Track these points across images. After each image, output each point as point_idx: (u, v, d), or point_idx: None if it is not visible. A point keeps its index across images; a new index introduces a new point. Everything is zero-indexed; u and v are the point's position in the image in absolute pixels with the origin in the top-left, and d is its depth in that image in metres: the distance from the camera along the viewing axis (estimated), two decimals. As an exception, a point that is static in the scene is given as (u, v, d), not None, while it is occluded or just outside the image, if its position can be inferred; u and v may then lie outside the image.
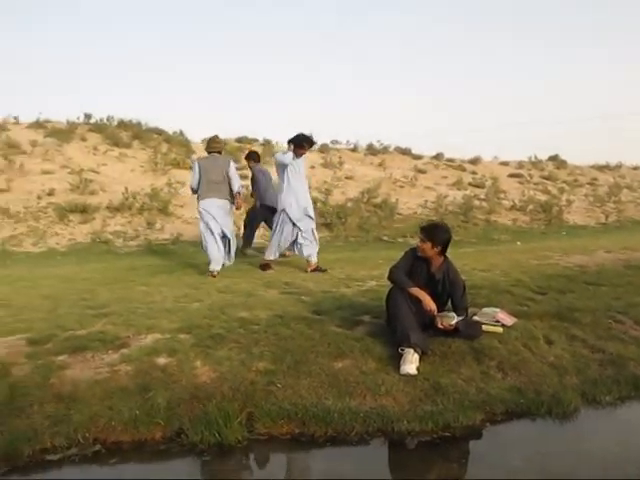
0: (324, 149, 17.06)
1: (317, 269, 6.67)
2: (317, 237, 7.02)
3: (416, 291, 3.88)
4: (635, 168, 22.09)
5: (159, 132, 15.48)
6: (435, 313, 3.87)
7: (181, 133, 15.94)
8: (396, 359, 3.67)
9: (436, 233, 3.99)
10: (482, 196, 14.29)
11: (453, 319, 3.89)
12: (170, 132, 15.74)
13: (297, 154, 6.60)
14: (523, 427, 3.24)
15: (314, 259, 6.76)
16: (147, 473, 2.87)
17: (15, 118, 14.90)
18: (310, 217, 6.85)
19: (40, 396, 3.16)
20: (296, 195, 6.66)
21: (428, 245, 4.00)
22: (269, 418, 3.12)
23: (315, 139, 7.19)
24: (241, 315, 4.47)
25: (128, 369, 3.48)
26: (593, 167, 20.85)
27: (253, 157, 8.55)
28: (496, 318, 4.25)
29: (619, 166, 21.54)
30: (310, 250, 6.77)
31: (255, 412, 3.15)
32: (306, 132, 6.91)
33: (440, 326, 3.89)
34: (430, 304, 3.85)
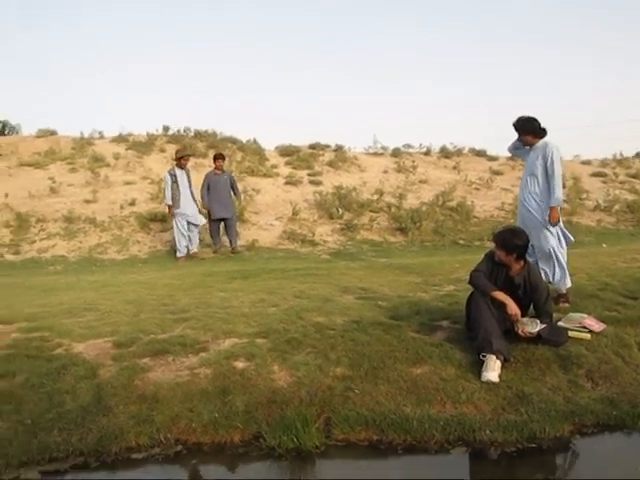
0: (397, 153, 16.88)
1: None
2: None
3: (499, 295, 3.74)
4: None
5: (233, 141, 15.80)
6: (519, 318, 3.72)
7: (255, 141, 16.20)
8: (477, 366, 3.55)
9: (509, 241, 3.84)
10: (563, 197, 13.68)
11: (535, 326, 3.72)
12: (244, 140, 16.06)
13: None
14: (617, 441, 3.05)
15: None
16: (227, 475, 2.90)
17: (100, 133, 15.67)
18: None
19: (125, 397, 3.27)
20: None
21: (502, 253, 3.86)
22: (347, 424, 3.09)
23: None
24: (317, 320, 4.47)
25: (207, 372, 3.55)
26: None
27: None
28: (583, 324, 4.04)
29: None
30: None
31: (333, 418, 3.13)
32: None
33: (521, 333, 3.73)
34: (514, 308, 3.70)
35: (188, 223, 8.95)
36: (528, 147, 5.10)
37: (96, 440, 2.96)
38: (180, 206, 8.81)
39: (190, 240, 9.04)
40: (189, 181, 9.09)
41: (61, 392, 3.31)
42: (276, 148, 16.24)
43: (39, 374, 3.50)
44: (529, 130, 5.01)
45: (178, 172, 8.92)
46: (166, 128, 15.92)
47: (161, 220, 10.35)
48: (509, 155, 17.90)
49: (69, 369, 3.56)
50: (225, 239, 9.63)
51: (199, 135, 15.80)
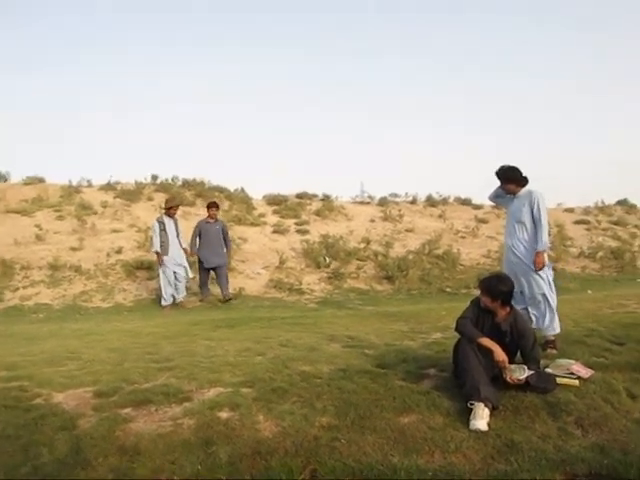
0: (383, 202, 17.08)
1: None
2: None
3: (486, 341, 3.73)
4: None
5: (221, 190, 15.92)
6: (506, 364, 3.69)
7: (242, 190, 16.34)
8: (465, 414, 3.49)
9: (494, 287, 3.88)
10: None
11: (523, 373, 3.70)
12: (232, 189, 16.19)
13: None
14: (610, 491, 2.98)
15: None
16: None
17: (88, 181, 15.72)
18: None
19: (105, 448, 3.16)
20: None
21: (488, 299, 3.88)
22: (333, 475, 2.99)
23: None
24: (304, 369, 4.41)
25: (190, 423, 3.46)
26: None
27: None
28: (571, 370, 4.01)
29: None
30: None
31: (319, 469, 3.03)
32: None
33: (509, 380, 3.70)
34: (501, 354, 3.68)
35: (175, 272, 8.91)
36: (511, 195, 5.18)
37: (73, 495, 2.85)
38: (168, 253, 8.81)
39: (176, 288, 8.98)
40: (177, 230, 9.13)
41: (38, 444, 3.20)
42: (264, 197, 16.37)
43: (16, 425, 3.40)
44: (512, 179, 5.11)
45: (166, 220, 8.97)
46: (154, 177, 16.05)
47: (147, 268, 10.30)
48: (494, 204, 18.15)
49: (47, 420, 3.46)
50: (214, 288, 9.55)
51: (187, 184, 15.91)
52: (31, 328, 7.03)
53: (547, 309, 4.94)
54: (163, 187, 15.44)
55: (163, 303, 8.83)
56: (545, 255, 4.95)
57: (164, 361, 4.72)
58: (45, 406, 3.70)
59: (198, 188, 15.59)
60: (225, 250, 9.56)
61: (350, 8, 46.82)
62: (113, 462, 3.07)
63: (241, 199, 15.36)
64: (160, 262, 8.85)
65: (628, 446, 3.21)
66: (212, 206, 9.61)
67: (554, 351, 4.76)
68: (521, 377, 3.67)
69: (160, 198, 14.60)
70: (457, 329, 3.92)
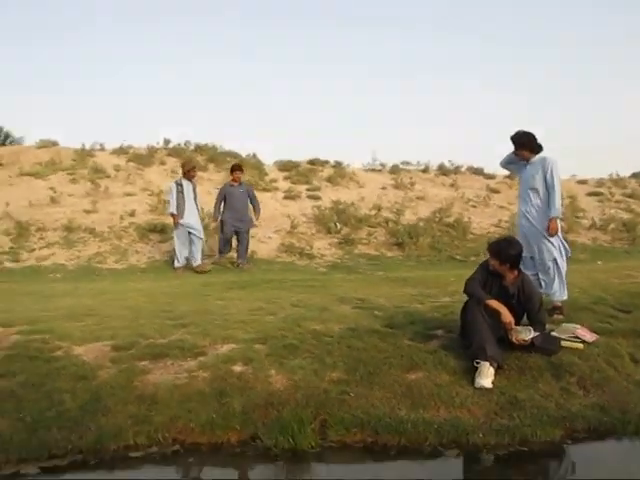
0: (395, 170, 17.01)
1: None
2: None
3: (494, 303, 3.81)
4: None
5: (233, 155, 15.90)
6: (512, 326, 3.78)
7: (254, 156, 16.31)
8: (470, 372, 3.61)
9: (502, 250, 3.93)
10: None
11: (529, 334, 3.79)
12: (244, 155, 16.18)
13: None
14: (608, 446, 3.11)
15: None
16: (224, 474, 2.94)
17: (101, 145, 15.74)
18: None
19: (124, 397, 3.32)
20: None
21: (496, 262, 3.94)
22: (342, 426, 3.14)
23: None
24: (314, 327, 4.52)
25: (205, 375, 3.60)
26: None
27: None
28: (576, 334, 4.11)
29: None
30: None
31: (328, 420, 3.18)
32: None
33: (514, 341, 3.80)
34: (508, 316, 3.77)
35: (190, 234, 8.92)
36: (524, 162, 5.18)
37: (95, 438, 3.01)
38: (184, 217, 8.82)
39: (192, 253, 9.00)
40: (195, 193, 9.09)
41: (60, 391, 3.36)
42: (275, 163, 16.35)
43: (39, 374, 3.55)
44: (527, 145, 5.09)
45: (185, 183, 8.93)
46: (167, 141, 16.04)
47: (160, 231, 10.41)
48: (506, 173, 18.05)
49: (68, 370, 3.62)
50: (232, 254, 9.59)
51: (199, 149, 15.90)
52: (48, 287, 7.18)
53: (556, 275, 5.00)
54: (175, 151, 15.46)
55: (176, 264, 8.90)
56: (558, 221, 4.98)
57: (178, 318, 4.84)
58: (66, 357, 3.85)
59: (210, 153, 15.59)
60: (252, 214, 9.47)
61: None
62: (132, 410, 3.23)
63: (253, 165, 15.35)
64: (176, 224, 8.87)
65: (627, 406, 3.32)
66: (236, 169, 9.38)
67: (561, 316, 4.84)
68: (527, 338, 3.76)
69: (172, 162, 14.66)
70: (465, 290, 4.00)
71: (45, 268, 8.84)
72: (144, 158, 14.61)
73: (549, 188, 4.96)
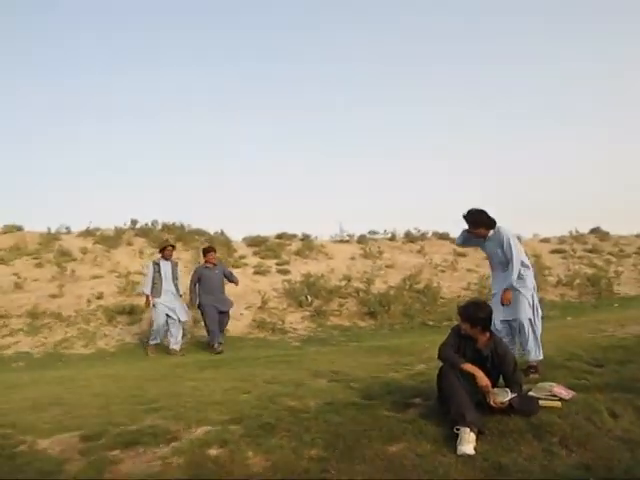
0: (362, 240, 17.23)
1: None
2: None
3: (469, 367, 3.81)
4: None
5: (201, 233, 15.95)
6: (489, 389, 3.76)
7: (222, 233, 16.37)
8: (452, 439, 3.54)
9: (473, 314, 3.97)
10: (526, 274, 14.04)
11: (506, 396, 3.77)
12: (211, 232, 16.22)
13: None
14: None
15: None
16: None
17: (67, 228, 15.62)
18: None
19: (94, 492, 3.14)
20: None
21: (468, 325, 3.98)
22: (325, 506, 3.01)
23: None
24: (290, 404, 4.43)
25: (180, 461, 3.45)
26: (639, 236, 20.33)
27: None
28: (553, 392, 4.10)
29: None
30: None
31: (310, 500, 3.05)
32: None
33: (492, 404, 3.77)
34: (484, 379, 3.76)
35: (167, 316, 8.64)
36: (481, 239, 5.26)
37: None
38: (160, 296, 8.60)
39: (171, 335, 8.69)
40: (174, 274, 8.86)
41: (25, 491, 3.17)
42: (244, 239, 16.42)
43: (0, 473, 3.35)
44: (482, 223, 5.16)
45: (162, 263, 8.78)
46: (134, 221, 16.02)
47: (129, 312, 10.22)
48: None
49: (33, 466, 3.42)
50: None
51: (167, 228, 15.92)
52: (11, 376, 6.91)
53: (531, 335, 5.03)
54: (143, 231, 15.44)
55: (151, 342, 8.66)
56: (510, 293, 5.03)
57: (150, 403, 4.69)
58: (30, 452, 3.65)
59: (178, 232, 15.59)
60: (227, 296, 9.29)
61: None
62: (102, 505, 3.05)
63: (221, 242, 15.37)
64: (148, 304, 8.65)
65: (612, 463, 3.28)
66: (210, 250, 9.24)
67: (536, 375, 4.85)
68: (504, 400, 3.74)
69: (140, 243, 14.61)
70: (440, 356, 3.99)
71: (8, 357, 8.54)
72: (111, 239, 14.54)
73: (508, 260, 5.04)
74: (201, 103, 46.71)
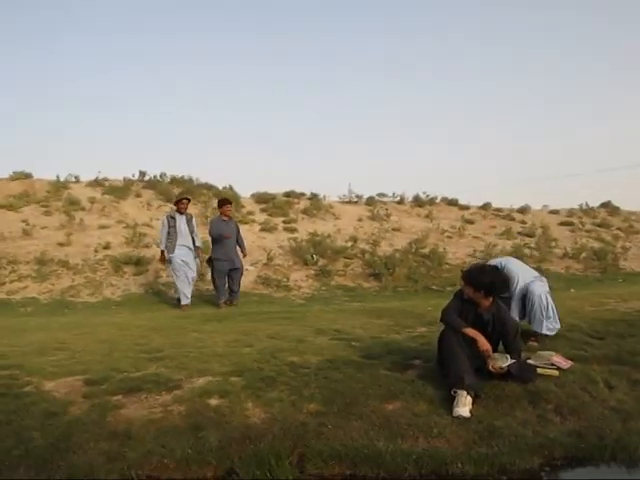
0: (371, 202, 17.18)
1: None
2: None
3: (470, 331, 3.84)
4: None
5: (209, 187, 15.91)
6: (490, 353, 3.80)
7: (231, 188, 16.32)
8: (448, 402, 3.60)
9: (476, 278, 3.96)
10: (532, 245, 14.02)
11: (505, 362, 3.81)
12: (220, 187, 16.19)
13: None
14: (586, 473, 3.10)
15: None
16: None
17: (76, 177, 15.63)
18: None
19: (96, 433, 3.23)
20: None
21: (471, 290, 3.97)
22: (320, 459, 3.09)
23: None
24: (291, 359, 4.50)
25: (181, 409, 3.53)
26: (650, 213, 20.18)
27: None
28: (551, 361, 4.15)
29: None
30: None
31: (306, 452, 3.13)
32: None
33: (491, 369, 3.81)
34: (485, 344, 3.79)
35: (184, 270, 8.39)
36: None
37: (65, 477, 2.90)
38: (174, 252, 8.31)
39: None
40: (190, 227, 8.57)
41: (29, 429, 3.26)
42: (252, 195, 16.40)
43: (7, 411, 3.44)
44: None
45: (177, 216, 8.47)
46: (142, 173, 16.00)
47: (136, 263, 10.31)
48: (480, 204, 18.26)
49: (38, 406, 3.52)
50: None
51: (175, 181, 15.89)
52: (19, 321, 7.04)
53: (539, 309, 5.06)
54: (151, 184, 15.44)
55: (183, 302, 8.37)
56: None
57: (154, 352, 4.77)
58: (36, 393, 3.75)
59: (186, 185, 15.57)
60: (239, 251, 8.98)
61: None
62: (104, 446, 3.13)
63: (229, 197, 15.27)
64: (163, 260, 8.46)
65: (604, 432, 3.34)
66: (226, 203, 8.92)
67: (535, 343, 4.89)
68: (503, 365, 3.78)
69: (148, 195, 14.63)
70: (442, 319, 4.02)
71: (16, 302, 8.67)
72: (119, 190, 14.56)
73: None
74: (218, 58, 46.09)
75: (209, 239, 8.94)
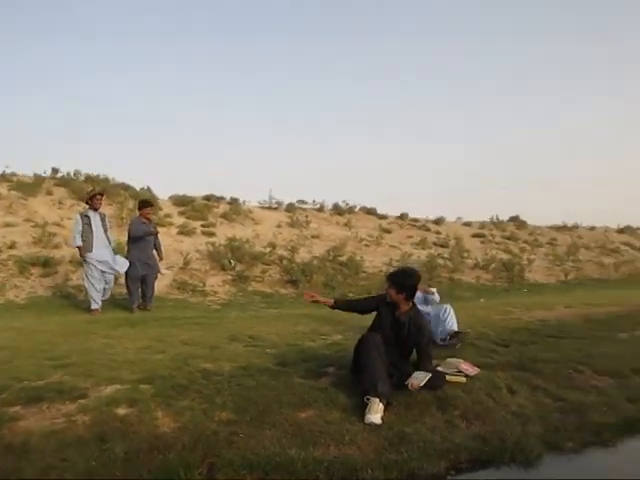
0: (290, 209, 17.24)
1: None
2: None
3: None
4: (591, 229, 22.83)
5: (126, 188, 15.41)
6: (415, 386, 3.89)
7: (149, 189, 15.91)
8: (360, 409, 3.64)
9: (401, 279, 4.10)
10: (446, 255, 14.56)
11: (423, 380, 3.90)
12: (137, 188, 15.72)
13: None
14: (488, 475, 3.22)
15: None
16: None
17: (-20, 172, 14.67)
18: None
19: (-10, 447, 3.02)
20: None
21: (394, 291, 4.09)
22: (231, 468, 3.03)
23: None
24: (204, 366, 4.42)
25: (85, 419, 3.37)
26: (552, 228, 21.51)
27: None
28: (459, 368, 4.31)
29: (576, 227, 22.23)
30: None
31: (217, 462, 3.06)
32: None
33: (410, 388, 3.90)
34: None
35: (102, 272, 8.03)
36: None
37: (-47, 495, 2.71)
38: (92, 251, 7.90)
39: (104, 292, 8.18)
40: (104, 226, 8.16)
41: None
42: (170, 198, 16.04)
43: None
44: None
45: (91, 214, 8.02)
46: (55, 170, 15.26)
47: (44, 265, 9.79)
48: (398, 214, 18.74)
49: None
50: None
51: (90, 179, 15.25)
52: None
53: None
54: (64, 181, 14.73)
55: (92, 306, 7.99)
56: None
57: (59, 358, 4.55)
58: None
59: (102, 184, 14.93)
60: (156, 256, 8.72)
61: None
62: (-2, 462, 2.94)
63: (147, 198, 14.92)
64: (82, 256, 7.94)
65: (505, 435, 3.49)
66: (147, 205, 8.59)
67: (455, 342, 5.30)
68: (421, 384, 3.89)
69: (61, 193, 13.96)
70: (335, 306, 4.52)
71: None
72: (29, 187, 13.77)
73: None
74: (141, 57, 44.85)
75: (123, 240, 8.62)
